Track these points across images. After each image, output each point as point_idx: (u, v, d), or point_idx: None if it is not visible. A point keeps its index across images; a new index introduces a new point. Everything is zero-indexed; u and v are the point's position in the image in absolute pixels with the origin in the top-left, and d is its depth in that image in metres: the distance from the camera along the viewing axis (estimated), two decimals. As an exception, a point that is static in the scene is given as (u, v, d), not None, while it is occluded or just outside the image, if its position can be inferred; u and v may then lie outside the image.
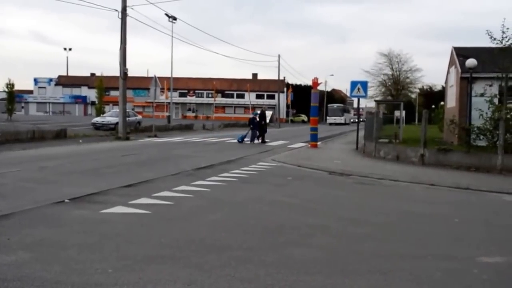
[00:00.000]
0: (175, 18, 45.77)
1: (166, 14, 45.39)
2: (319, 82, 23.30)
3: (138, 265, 5.10)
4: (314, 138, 22.61)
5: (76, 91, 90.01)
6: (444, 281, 5.03)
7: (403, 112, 32.42)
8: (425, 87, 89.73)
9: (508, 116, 15.07)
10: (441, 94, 50.98)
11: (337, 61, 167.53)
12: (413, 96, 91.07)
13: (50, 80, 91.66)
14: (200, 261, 5.28)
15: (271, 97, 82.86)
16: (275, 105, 73.69)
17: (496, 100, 16.49)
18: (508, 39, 16.25)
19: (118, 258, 5.31)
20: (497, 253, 6.13)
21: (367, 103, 75.09)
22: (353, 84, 21.15)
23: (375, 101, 48.69)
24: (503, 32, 16.24)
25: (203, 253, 5.62)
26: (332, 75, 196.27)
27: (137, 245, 5.85)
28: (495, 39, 16.38)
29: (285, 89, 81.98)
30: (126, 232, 6.47)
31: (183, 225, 6.96)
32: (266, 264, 5.28)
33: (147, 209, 7.81)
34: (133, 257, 5.36)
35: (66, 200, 8.39)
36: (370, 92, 75.26)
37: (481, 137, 15.98)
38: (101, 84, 61.13)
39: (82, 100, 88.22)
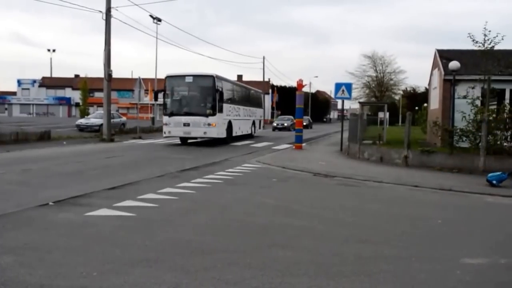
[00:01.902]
0: (159, 20, 45.67)
1: (151, 16, 45.29)
2: (303, 83, 23.36)
3: (123, 268, 5.08)
4: (298, 140, 22.67)
5: (60, 93, 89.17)
6: (428, 283, 5.09)
7: (387, 114, 32.69)
8: (408, 89, 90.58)
9: (490, 118, 15.28)
10: (424, 96, 51.55)
11: (322, 62, 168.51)
12: (397, 97, 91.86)
13: (34, 81, 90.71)
14: (185, 264, 5.28)
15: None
16: (260, 106, 73.63)
17: (478, 102, 16.71)
18: (490, 42, 16.48)
19: (103, 261, 5.29)
20: (480, 254, 6.21)
21: (351, 105, 75.59)
22: (338, 86, 21.27)
23: (359, 102, 48.90)
24: (485, 35, 16.48)
25: (188, 255, 5.62)
26: (317, 76, 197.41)
27: (122, 248, 5.83)
28: (477, 42, 16.62)
29: (270, 90, 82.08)
30: (110, 235, 6.45)
31: (168, 228, 6.95)
32: (252, 266, 5.29)
33: (131, 212, 7.79)
34: (118, 260, 5.34)
35: (50, 203, 8.32)
36: (354, 93, 76.02)
37: (464, 138, 16.16)
38: (85, 85, 60.85)
39: (66, 101, 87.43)
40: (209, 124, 22.60)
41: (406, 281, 5.06)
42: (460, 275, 5.31)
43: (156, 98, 25.37)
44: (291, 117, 54.25)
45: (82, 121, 35.38)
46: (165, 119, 23.47)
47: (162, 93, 23.70)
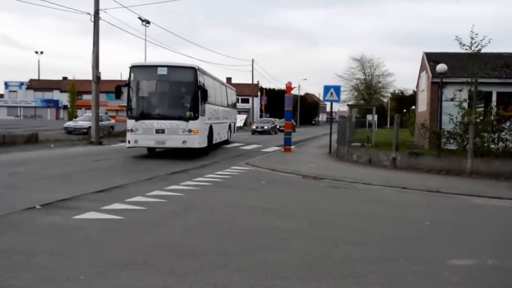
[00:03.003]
0: (148, 22, 45.48)
1: (140, 18, 45.10)
2: (292, 86, 23.43)
3: (111, 271, 5.04)
4: (287, 142, 22.71)
5: (48, 95, 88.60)
6: (416, 284, 5.11)
7: (376, 116, 32.83)
8: (396, 92, 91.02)
9: (478, 120, 15.41)
10: (412, 99, 51.81)
11: (310, 65, 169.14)
12: (385, 100, 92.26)
13: (21, 84, 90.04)
14: (174, 267, 5.26)
15: (245, 101, 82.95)
16: (249, 109, 73.80)
17: (465, 105, 16.83)
18: (477, 45, 16.61)
19: (90, 264, 5.24)
20: (468, 255, 6.25)
21: (340, 107, 75.90)
22: (326, 89, 21.34)
23: (348, 105, 49.16)
24: (472, 38, 16.60)
25: (176, 258, 5.59)
26: (306, 79, 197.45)
27: (110, 251, 5.79)
28: (464, 45, 16.74)
29: (259, 93, 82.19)
30: (98, 238, 6.40)
31: (156, 231, 6.92)
32: (240, 269, 5.28)
33: (120, 215, 7.74)
34: (106, 263, 5.30)
35: (37, 206, 8.25)
36: (343, 96, 76.25)
37: (452, 141, 16.28)
38: (73, 88, 60.26)
39: (54, 104, 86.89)
40: (189, 131, 17.32)
41: (394, 283, 5.08)
42: (448, 276, 5.33)
43: (118, 95, 18.29)
44: (272, 119, 52.73)
45: (70, 123, 35.20)
46: (130, 123, 17.66)
47: (126, 88, 17.95)
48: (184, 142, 17.36)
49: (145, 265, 5.31)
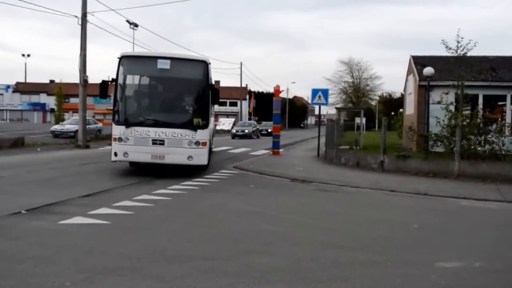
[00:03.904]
0: (136, 25, 45.31)
1: (127, 21, 44.93)
2: (281, 89, 23.43)
3: (97, 277, 4.99)
4: (276, 145, 22.70)
5: (34, 98, 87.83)
6: (403, 287, 5.12)
7: (364, 119, 32.95)
8: (384, 95, 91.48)
9: (464, 123, 15.52)
10: (400, 102, 52.12)
11: (299, 68, 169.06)
12: (373, 103, 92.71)
13: (8, 87, 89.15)
14: (161, 272, 5.22)
15: (233, 104, 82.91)
16: (238, 112, 73.74)
17: (452, 108, 16.96)
18: (463, 49, 16.75)
19: (76, 270, 5.18)
20: (455, 258, 6.28)
21: (328, 110, 76.12)
22: (314, 92, 21.39)
23: (336, 108, 49.29)
24: (458, 42, 16.74)
25: (164, 263, 5.55)
26: (294, 82, 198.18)
27: (96, 256, 5.73)
28: (450, 48, 16.87)
29: (247, 96, 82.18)
30: (85, 243, 6.33)
31: (143, 235, 6.87)
32: (228, 273, 5.25)
33: (106, 220, 7.67)
34: (92, 269, 5.24)
35: (23, 211, 8.15)
36: (331, 99, 76.42)
37: (439, 143, 16.38)
38: (61, 91, 60.08)
39: (41, 107, 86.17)
40: (197, 143, 13.18)
41: (382, 286, 5.09)
42: (435, 279, 5.35)
43: (104, 94, 13.81)
44: (253, 122, 51.22)
45: (57, 127, 34.89)
46: (118, 130, 13.28)
47: (114, 86, 13.54)
48: (189, 158, 13.15)
49: (132, 270, 5.26)
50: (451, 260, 6.16)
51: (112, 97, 13.61)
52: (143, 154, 13.18)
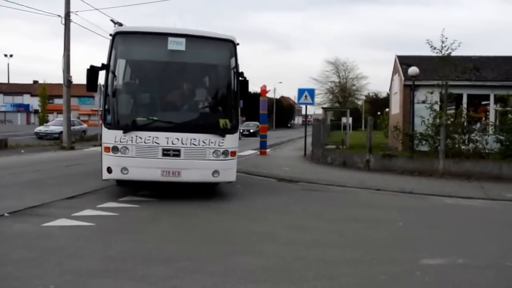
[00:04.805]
0: (121, 24, 44.96)
1: (112, 20, 44.56)
2: (267, 89, 23.46)
3: (81, 279, 4.95)
4: (263, 145, 22.72)
5: (18, 99, 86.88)
6: (388, 285, 5.16)
7: (350, 119, 33.13)
8: (370, 94, 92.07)
9: (448, 122, 15.66)
10: (386, 101, 52.46)
11: (285, 68, 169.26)
12: (360, 103, 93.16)
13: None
14: (146, 273, 5.19)
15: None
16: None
17: (437, 107, 17.09)
18: (447, 49, 16.87)
19: (60, 273, 5.13)
20: (439, 255, 6.34)
21: (315, 110, 76.38)
22: (301, 92, 21.45)
23: (323, 108, 49.49)
24: (443, 42, 16.84)
25: (149, 265, 5.51)
26: (281, 82, 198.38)
27: (80, 259, 5.68)
28: (435, 48, 16.97)
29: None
30: (69, 245, 6.27)
31: (128, 237, 6.82)
32: (214, 273, 5.24)
33: (91, 221, 7.61)
34: (76, 271, 5.19)
35: (6, 214, 8.05)
36: (318, 99, 76.56)
37: (424, 142, 16.50)
38: (44, 92, 59.44)
39: (25, 108, 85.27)
40: (225, 153, 9.67)
41: (367, 284, 5.12)
42: (419, 276, 5.39)
43: (93, 85, 9.76)
44: (257, 123, 53.49)
45: (41, 128, 34.57)
46: (111, 136, 9.41)
47: (105, 75, 9.60)
48: (215, 173, 9.59)
49: (117, 272, 5.23)
50: (435, 257, 6.21)
51: (102, 91, 10.12)
52: (150, 170, 9.37)
